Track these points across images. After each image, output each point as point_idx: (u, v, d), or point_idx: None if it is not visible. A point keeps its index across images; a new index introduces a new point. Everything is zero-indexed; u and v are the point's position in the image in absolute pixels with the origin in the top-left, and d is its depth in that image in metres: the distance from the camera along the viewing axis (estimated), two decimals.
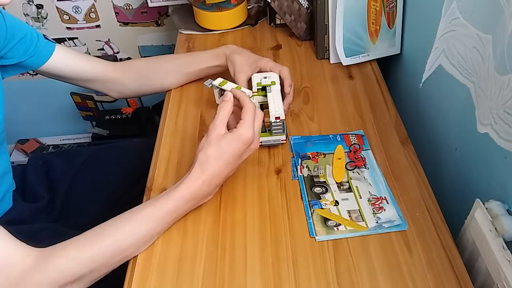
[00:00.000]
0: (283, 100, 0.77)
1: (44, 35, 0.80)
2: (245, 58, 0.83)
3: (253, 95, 0.76)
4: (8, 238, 0.58)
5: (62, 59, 0.81)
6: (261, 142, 0.76)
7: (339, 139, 0.79)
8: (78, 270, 0.58)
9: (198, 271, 0.61)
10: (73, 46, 1.56)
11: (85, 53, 1.58)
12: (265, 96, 0.77)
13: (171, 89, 0.92)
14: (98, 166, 0.95)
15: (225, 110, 0.65)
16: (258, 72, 0.82)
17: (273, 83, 0.78)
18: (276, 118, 0.73)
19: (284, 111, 0.79)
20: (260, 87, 0.78)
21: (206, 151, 0.63)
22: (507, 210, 0.57)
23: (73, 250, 0.59)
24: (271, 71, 0.82)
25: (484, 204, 0.58)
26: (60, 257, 0.58)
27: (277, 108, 0.73)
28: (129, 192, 0.63)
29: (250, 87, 0.79)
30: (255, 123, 0.65)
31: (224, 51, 0.86)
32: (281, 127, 0.74)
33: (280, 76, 0.81)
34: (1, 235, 0.57)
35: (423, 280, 0.59)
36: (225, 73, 0.87)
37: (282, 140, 0.76)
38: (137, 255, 0.63)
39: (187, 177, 0.63)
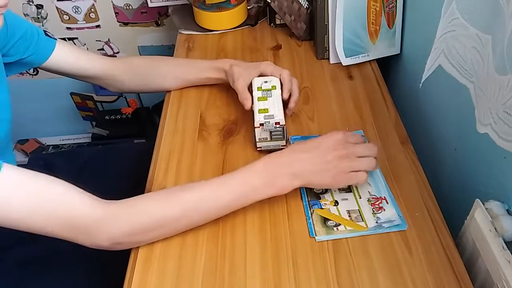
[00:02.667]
0: (285, 105, 0.76)
1: (45, 31, 0.80)
2: (244, 66, 0.82)
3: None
4: (74, 191, 0.59)
5: (62, 57, 0.82)
6: (261, 147, 0.76)
7: None
8: (148, 223, 0.61)
9: (198, 271, 0.61)
10: None
11: None
12: (266, 101, 0.76)
13: (170, 90, 0.93)
14: (98, 168, 0.95)
15: None
16: (259, 76, 0.81)
17: (274, 87, 0.77)
18: (276, 123, 0.72)
19: (291, 109, 0.79)
20: (261, 92, 0.77)
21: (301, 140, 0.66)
22: (507, 210, 0.57)
23: (145, 201, 0.61)
24: (272, 75, 0.81)
25: (484, 204, 0.58)
26: (132, 207, 0.60)
27: (277, 113, 0.73)
28: (129, 194, 0.62)
29: (250, 92, 0.78)
30: (357, 145, 0.67)
31: (223, 66, 0.85)
32: (281, 132, 0.73)
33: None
34: (66, 188, 0.59)
35: (423, 280, 0.59)
36: (225, 85, 0.88)
37: (282, 146, 0.75)
38: (137, 256, 0.63)
39: (268, 155, 0.64)
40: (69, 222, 0.58)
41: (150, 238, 0.63)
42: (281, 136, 0.74)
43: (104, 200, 0.60)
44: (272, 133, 0.73)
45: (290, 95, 0.80)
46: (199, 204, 0.62)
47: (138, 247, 0.64)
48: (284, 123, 0.72)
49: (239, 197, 0.63)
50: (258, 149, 0.76)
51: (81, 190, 0.60)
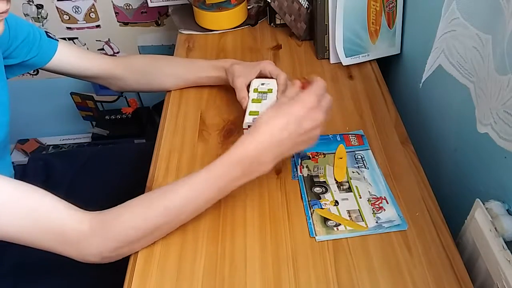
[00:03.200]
0: None
1: (46, 32, 0.80)
2: (244, 65, 0.82)
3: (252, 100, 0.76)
4: (61, 205, 0.59)
5: (64, 58, 0.82)
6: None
7: (339, 139, 0.79)
8: (133, 233, 0.60)
9: (198, 271, 0.61)
10: None
11: None
12: (259, 103, 0.75)
13: (170, 90, 0.93)
14: (98, 168, 0.95)
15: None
16: (259, 75, 0.81)
17: (270, 90, 0.76)
18: None
19: None
20: (256, 94, 0.76)
21: (262, 115, 0.61)
22: (507, 210, 0.57)
23: (127, 215, 0.60)
24: (270, 75, 0.81)
25: (484, 204, 0.58)
26: (116, 222, 0.60)
27: None
28: (129, 195, 0.62)
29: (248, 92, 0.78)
30: (322, 99, 0.62)
31: (223, 64, 0.85)
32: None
33: None
34: (53, 202, 0.59)
35: (423, 280, 0.59)
36: (224, 86, 0.88)
37: None
38: (137, 256, 0.63)
39: (237, 141, 0.61)
40: (58, 236, 0.58)
41: (137, 247, 0.63)
42: None
43: (90, 212, 0.60)
44: None
45: None
46: (181, 206, 0.61)
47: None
48: None
49: (219, 191, 0.62)
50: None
51: (69, 204, 0.60)
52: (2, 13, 0.57)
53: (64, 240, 0.58)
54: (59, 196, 0.80)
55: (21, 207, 0.57)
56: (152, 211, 0.60)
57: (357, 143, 0.78)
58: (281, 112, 0.60)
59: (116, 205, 0.62)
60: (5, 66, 0.74)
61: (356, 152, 0.76)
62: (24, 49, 0.76)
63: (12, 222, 0.56)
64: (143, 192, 0.72)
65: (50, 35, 0.81)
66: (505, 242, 0.54)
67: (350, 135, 0.80)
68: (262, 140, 0.60)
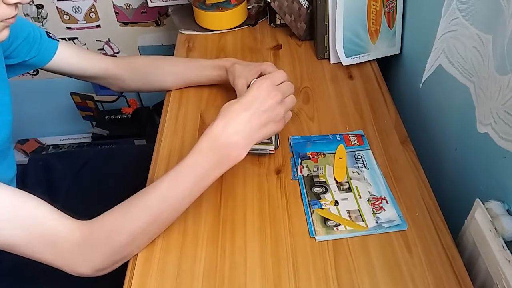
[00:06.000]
0: None
1: (47, 32, 0.80)
2: (245, 65, 0.82)
3: None
4: (55, 214, 0.59)
5: (65, 58, 0.82)
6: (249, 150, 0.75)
7: (339, 139, 0.79)
8: (121, 241, 0.60)
9: (198, 271, 0.61)
10: None
11: None
12: None
13: (171, 90, 0.93)
14: (98, 169, 0.95)
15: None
16: (259, 76, 0.81)
17: None
18: None
19: None
20: None
21: (231, 100, 0.62)
22: (507, 210, 0.57)
23: (109, 220, 0.60)
24: None
25: (484, 204, 0.58)
26: (102, 229, 0.59)
27: None
28: (129, 196, 0.62)
29: None
30: (280, 85, 0.64)
31: (224, 63, 0.85)
32: (269, 137, 0.73)
33: None
34: (47, 212, 0.58)
35: (423, 280, 0.59)
36: (224, 85, 0.88)
37: (270, 151, 0.74)
38: (137, 256, 0.63)
39: (207, 128, 0.61)
40: (51, 247, 0.57)
41: (128, 254, 0.62)
42: (268, 140, 0.73)
43: (81, 222, 0.60)
44: None
45: None
46: (160, 203, 0.60)
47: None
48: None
49: (196, 182, 0.61)
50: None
51: (63, 214, 0.59)
52: (10, 18, 0.57)
53: (56, 250, 0.58)
54: (58, 199, 0.80)
55: (15, 216, 0.56)
56: (134, 214, 0.60)
57: (357, 143, 0.78)
58: (241, 97, 0.62)
59: (116, 204, 0.62)
60: (6, 65, 0.74)
61: (356, 152, 0.76)
62: (24, 49, 0.76)
63: (5, 230, 0.55)
64: None
65: (50, 35, 0.81)
66: (505, 242, 0.54)
67: (350, 135, 0.80)
68: (227, 121, 0.60)
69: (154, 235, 0.64)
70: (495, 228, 0.55)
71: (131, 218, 0.60)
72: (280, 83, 0.65)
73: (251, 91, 0.62)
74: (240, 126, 0.60)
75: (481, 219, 0.57)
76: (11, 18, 0.57)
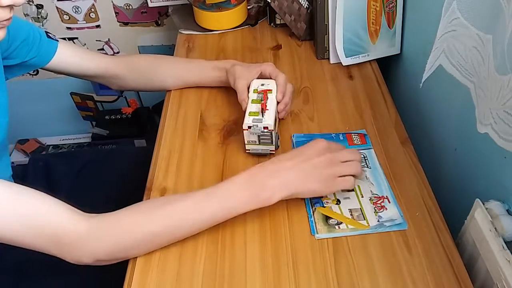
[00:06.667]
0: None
1: (46, 32, 0.80)
2: (245, 66, 0.82)
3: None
4: (60, 206, 0.59)
5: (64, 58, 0.82)
6: (249, 150, 0.76)
7: (341, 138, 0.79)
8: (130, 239, 0.60)
9: (198, 271, 0.61)
10: None
11: None
12: (259, 104, 0.75)
13: (170, 90, 0.93)
14: (98, 170, 0.95)
15: None
16: (259, 76, 0.81)
17: (270, 91, 0.76)
18: (264, 128, 0.71)
19: (280, 111, 0.78)
20: (256, 95, 0.76)
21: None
22: (507, 210, 0.57)
23: (126, 220, 0.60)
24: (270, 76, 0.80)
25: (484, 204, 0.58)
26: (114, 226, 0.60)
27: (267, 117, 0.72)
28: (130, 196, 0.62)
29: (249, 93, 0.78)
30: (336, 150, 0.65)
31: (224, 65, 0.85)
32: (269, 137, 0.72)
33: None
34: (52, 203, 0.59)
35: (423, 280, 0.59)
36: (224, 86, 0.88)
37: (270, 151, 0.75)
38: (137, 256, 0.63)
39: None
40: (54, 238, 0.58)
41: (132, 254, 0.62)
42: (269, 141, 0.73)
43: (88, 214, 0.60)
44: (260, 137, 0.73)
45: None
46: (181, 219, 0.61)
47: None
48: (272, 128, 0.71)
49: (222, 210, 0.61)
50: (246, 151, 0.76)
51: (66, 205, 0.59)
52: (5, 20, 0.56)
53: (59, 240, 0.58)
54: (59, 198, 0.79)
55: (19, 208, 0.56)
56: (152, 219, 0.60)
57: (359, 142, 0.78)
58: (292, 150, 0.65)
59: (116, 206, 0.61)
60: (4, 66, 0.74)
61: (359, 151, 0.76)
62: (23, 50, 0.76)
63: (9, 222, 0.56)
64: (143, 194, 0.72)
65: (50, 35, 0.81)
66: (505, 242, 0.54)
67: (353, 134, 0.80)
68: (268, 164, 0.62)
69: (162, 246, 0.63)
70: (495, 228, 0.55)
71: (147, 222, 0.60)
72: (343, 159, 0.65)
73: (302, 147, 0.64)
74: (280, 172, 0.61)
75: (481, 219, 0.57)
76: (6, 20, 0.57)
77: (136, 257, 0.63)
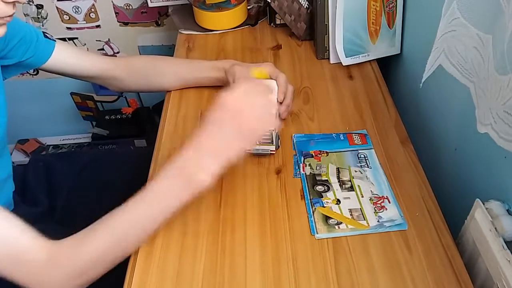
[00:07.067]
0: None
1: (44, 33, 0.80)
2: (245, 66, 0.82)
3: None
4: (26, 234, 0.58)
5: (62, 58, 0.82)
6: (250, 150, 0.75)
7: (342, 138, 0.79)
8: (83, 264, 0.59)
9: (198, 271, 0.61)
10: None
11: None
12: None
13: (170, 90, 0.93)
14: (98, 171, 0.95)
15: None
16: None
17: (270, 91, 0.77)
18: None
19: (282, 112, 0.78)
20: None
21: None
22: (507, 210, 0.57)
23: (73, 244, 0.59)
24: (270, 76, 0.80)
25: (484, 204, 0.58)
26: (67, 252, 0.59)
27: None
28: (130, 197, 0.62)
29: None
30: (244, 89, 0.61)
31: (223, 65, 0.85)
32: (269, 137, 0.72)
33: None
34: (19, 231, 0.58)
35: (423, 280, 0.59)
36: (224, 86, 0.87)
37: (271, 151, 0.75)
38: (137, 256, 0.63)
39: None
40: (21, 267, 0.57)
41: (92, 276, 0.60)
42: (269, 141, 0.73)
43: (51, 242, 0.59)
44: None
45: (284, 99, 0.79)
46: (125, 228, 0.60)
47: (139, 247, 0.64)
48: (273, 128, 0.71)
49: (162, 206, 0.61)
50: (247, 151, 0.76)
51: (35, 234, 0.59)
52: (7, 17, 0.56)
53: (24, 270, 0.57)
54: (58, 200, 0.79)
55: None
56: (96, 235, 0.59)
57: (360, 142, 0.78)
58: (206, 121, 0.61)
59: (116, 206, 0.61)
60: (1, 66, 0.74)
61: (359, 151, 0.76)
62: (20, 49, 0.76)
63: None
64: None
65: (47, 35, 0.81)
66: (505, 242, 0.54)
67: (353, 134, 0.80)
68: (189, 149, 0.60)
69: (119, 258, 0.61)
70: (495, 228, 0.55)
71: (93, 241, 0.59)
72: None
73: (210, 115, 0.61)
74: (202, 151, 0.59)
75: (481, 219, 0.57)
76: (9, 16, 0.57)
77: (136, 258, 0.63)
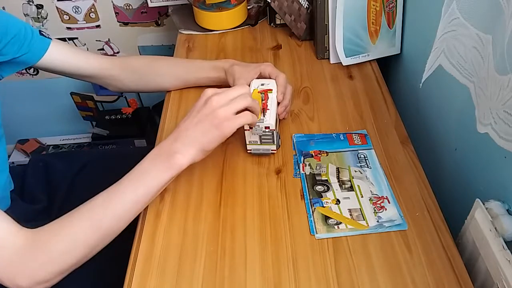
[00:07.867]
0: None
1: (40, 31, 0.80)
2: (244, 66, 0.82)
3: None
4: (2, 219, 0.58)
5: (57, 56, 0.81)
6: (251, 150, 0.76)
7: (342, 138, 0.79)
8: (60, 247, 0.59)
9: (198, 271, 0.61)
10: None
11: None
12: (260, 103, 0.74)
13: (170, 90, 0.93)
14: (98, 170, 0.95)
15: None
16: (259, 77, 0.81)
17: (270, 91, 0.76)
18: (266, 127, 0.71)
19: (280, 113, 0.79)
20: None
21: None
22: (507, 210, 0.57)
23: (51, 229, 0.60)
24: (269, 76, 0.80)
25: (484, 204, 0.58)
26: (44, 237, 0.59)
27: (268, 117, 0.72)
28: None
29: None
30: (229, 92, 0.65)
31: (223, 65, 0.85)
32: (270, 137, 0.73)
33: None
34: None
35: (423, 280, 0.59)
36: (224, 86, 0.87)
37: (272, 150, 0.75)
38: (137, 256, 0.63)
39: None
40: None
41: (68, 264, 0.60)
42: (270, 140, 0.73)
43: (27, 230, 0.59)
44: (262, 137, 0.73)
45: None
46: (103, 212, 0.61)
47: (139, 246, 0.64)
48: (274, 128, 0.71)
49: (140, 185, 0.63)
50: (248, 151, 0.76)
51: (11, 220, 0.58)
52: None
53: (0, 257, 0.56)
54: (57, 199, 0.79)
55: None
56: (74, 220, 0.60)
57: (360, 143, 0.78)
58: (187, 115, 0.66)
59: None
60: None
61: (359, 151, 0.76)
62: (14, 46, 0.75)
63: None
64: None
65: (43, 33, 0.80)
66: (505, 242, 0.54)
67: (353, 134, 0.80)
68: (171, 134, 0.65)
69: (96, 247, 0.61)
70: (495, 228, 0.55)
71: (71, 225, 0.59)
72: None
73: (194, 105, 0.65)
74: (180, 135, 0.64)
75: (481, 219, 0.57)
76: None
77: (136, 258, 0.63)
